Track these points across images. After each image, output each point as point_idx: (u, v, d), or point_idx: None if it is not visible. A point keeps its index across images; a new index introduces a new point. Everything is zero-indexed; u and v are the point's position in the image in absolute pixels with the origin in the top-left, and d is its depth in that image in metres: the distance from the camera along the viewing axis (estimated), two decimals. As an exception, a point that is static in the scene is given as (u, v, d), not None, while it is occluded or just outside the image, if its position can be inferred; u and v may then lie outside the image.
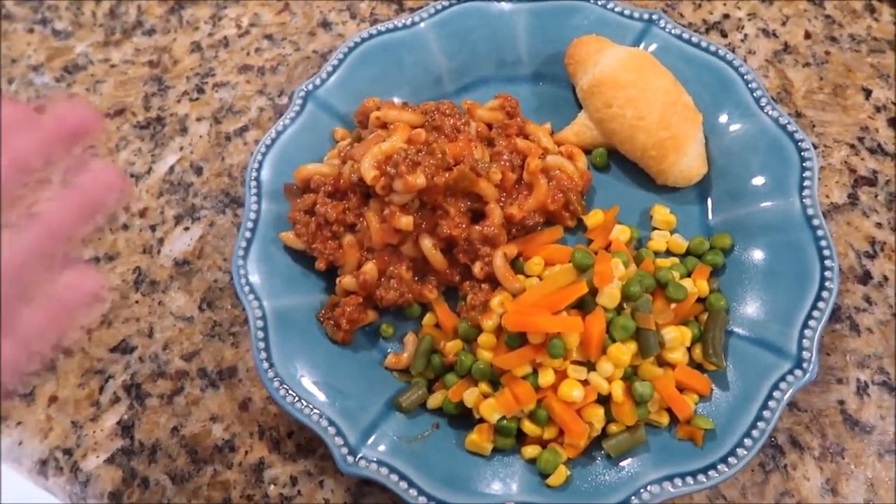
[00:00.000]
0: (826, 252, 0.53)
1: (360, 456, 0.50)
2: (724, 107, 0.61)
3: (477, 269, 0.55)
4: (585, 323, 0.50)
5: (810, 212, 0.55)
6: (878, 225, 0.60)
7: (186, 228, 0.65)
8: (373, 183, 0.53)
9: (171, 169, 0.68)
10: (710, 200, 0.60)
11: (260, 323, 0.54)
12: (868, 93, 0.67)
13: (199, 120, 0.70)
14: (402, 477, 0.50)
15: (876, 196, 0.62)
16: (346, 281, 0.56)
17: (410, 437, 0.52)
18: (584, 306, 0.52)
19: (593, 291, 0.51)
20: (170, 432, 0.57)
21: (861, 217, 0.61)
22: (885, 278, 0.58)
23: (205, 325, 0.61)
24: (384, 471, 0.50)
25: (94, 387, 0.59)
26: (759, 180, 0.58)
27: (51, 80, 0.74)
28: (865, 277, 0.58)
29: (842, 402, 0.54)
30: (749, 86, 0.60)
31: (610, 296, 0.50)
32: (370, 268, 0.55)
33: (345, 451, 0.50)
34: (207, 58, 0.74)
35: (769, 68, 0.69)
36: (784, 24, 0.71)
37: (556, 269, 0.54)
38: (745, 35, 0.71)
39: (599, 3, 0.65)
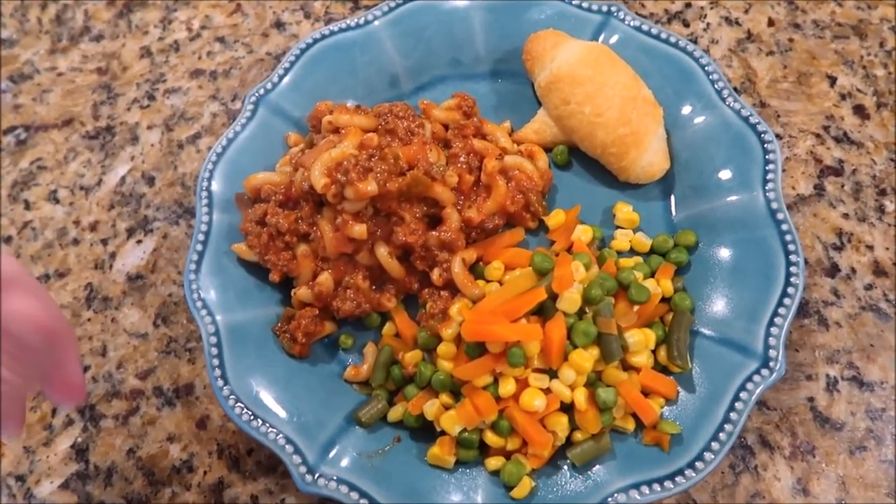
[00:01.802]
0: (791, 247, 0.52)
1: (318, 474, 0.49)
2: (685, 99, 0.60)
3: (435, 276, 0.54)
4: (545, 329, 0.49)
5: (774, 206, 0.53)
6: (845, 216, 0.59)
7: (139, 241, 0.63)
8: (323, 191, 0.51)
9: (123, 180, 0.66)
10: (673, 196, 0.59)
11: (213, 339, 0.53)
12: (833, 80, 0.66)
13: (150, 128, 0.68)
14: (363, 494, 0.48)
15: (842, 186, 0.61)
16: (301, 292, 0.54)
17: (370, 452, 0.51)
18: (544, 312, 0.50)
19: (553, 296, 0.50)
20: (126, 454, 0.55)
21: (828, 208, 0.60)
22: (853, 270, 0.57)
23: (160, 341, 0.59)
24: (344, 489, 0.48)
25: (47, 409, 0.57)
26: (722, 174, 0.56)
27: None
28: (833, 270, 0.57)
29: (811, 399, 0.53)
30: (710, 77, 0.59)
31: (570, 301, 0.49)
32: (325, 278, 0.53)
33: (303, 469, 0.49)
34: (158, 63, 0.71)
35: (732, 58, 0.67)
36: (747, 11, 0.70)
37: (517, 273, 0.53)
38: (708, 24, 0.69)
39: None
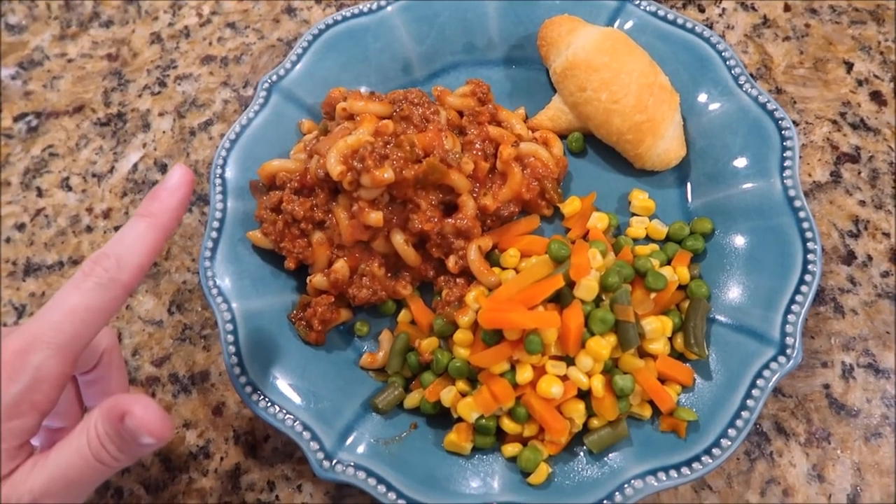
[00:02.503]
0: (808, 234, 0.52)
1: (336, 460, 0.49)
2: (702, 86, 0.59)
3: (451, 263, 0.54)
4: (563, 317, 0.49)
5: (791, 193, 0.53)
6: (862, 203, 0.59)
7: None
8: (339, 178, 0.51)
9: (135, 167, 0.65)
10: (689, 184, 0.58)
11: (230, 326, 0.53)
12: (850, 66, 0.65)
13: (161, 115, 0.68)
14: (380, 480, 0.48)
15: (859, 173, 0.60)
16: (317, 280, 0.54)
17: (387, 438, 0.51)
18: (561, 299, 0.50)
19: (570, 283, 0.50)
20: (142, 440, 0.55)
21: (844, 195, 0.60)
22: (870, 258, 0.57)
23: (175, 328, 0.59)
24: (361, 475, 0.48)
25: (63, 396, 0.57)
26: (739, 162, 0.56)
27: (7, 80, 0.71)
28: (849, 258, 0.57)
29: (827, 387, 0.53)
30: (727, 63, 0.58)
31: (587, 288, 0.49)
32: (341, 266, 0.53)
33: (320, 455, 0.49)
34: (168, 49, 0.71)
35: (748, 43, 0.67)
36: (763, -4, 0.69)
37: (533, 260, 0.53)
38: (724, 9, 0.69)
39: None
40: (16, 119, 0.69)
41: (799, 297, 0.50)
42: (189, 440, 0.55)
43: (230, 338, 0.52)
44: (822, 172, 0.61)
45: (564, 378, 0.49)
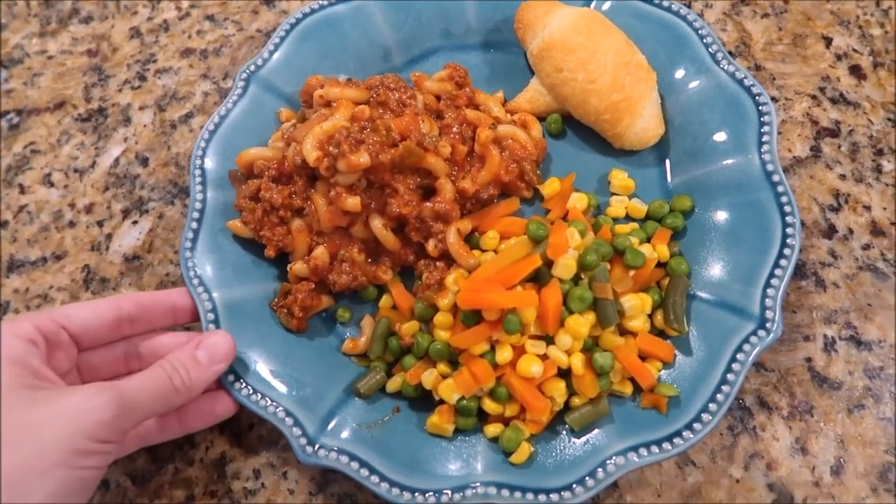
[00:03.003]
0: (787, 209, 0.52)
1: (319, 445, 0.49)
2: (679, 64, 0.59)
3: (430, 246, 0.54)
4: (541, 296, 0.49)
5: (770, 168, 0.53)
6: (842, 177, 0.59)
7: (135, 222, 0.63)
8: (315, 164, 0.51)
9: (116, 161, 0.65)
10: (668, 162, 0.58)
11: (211, 316, 0.53)
12: (828, 41, 0.65)
13: (142, 109, 0.68)
14: (363, 464, 0.49)
15: (839, 147, 0.60)
16: (297, 267, 0.54)
17: (370, 422, 0.51)
18: (540, 279, 0.50)
19: (549, 263, 0.50)
20: (128, 432, 0.55)
21: (825, 169, 0.59)
22: (850, 231, 0.57)
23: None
24: (344, 459, 0.49)
25: (49, 390, 0.57)
26: (717, 138, 0.56)
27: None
28: (830, 231, 0.57)
29: (809, 360, 0.53)
30: (704, 41, 0.58)
31: (565, 267, 0.49)
32: (321, 252, 0.53)
33: (303, 441, 0.49)
34: (148, 43, 0.71)
35: (727, 21, 0.67)
36: (741, -26, 0.69)
37: (512, 242, 0.53)
38: (702, -12, 0.69)
39: None
40: (-3, 117, 0.69)
41: (778, 272, 0.50)
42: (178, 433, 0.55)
43: (211, 327, 0.52)
44: (803, 147, 0.61)
45: (544, 357, 0.49)
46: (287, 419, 0.50)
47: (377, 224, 0.53)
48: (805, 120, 0.62)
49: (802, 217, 0.58)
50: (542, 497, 0.46)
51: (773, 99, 0.62)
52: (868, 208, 0.58)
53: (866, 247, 0.56)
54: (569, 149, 0.60)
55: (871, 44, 0.64)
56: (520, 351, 0.49)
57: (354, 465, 0.48)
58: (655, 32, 0.60)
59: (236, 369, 0.51)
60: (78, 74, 0.70)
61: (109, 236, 0.62)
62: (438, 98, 0.59)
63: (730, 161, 0.55)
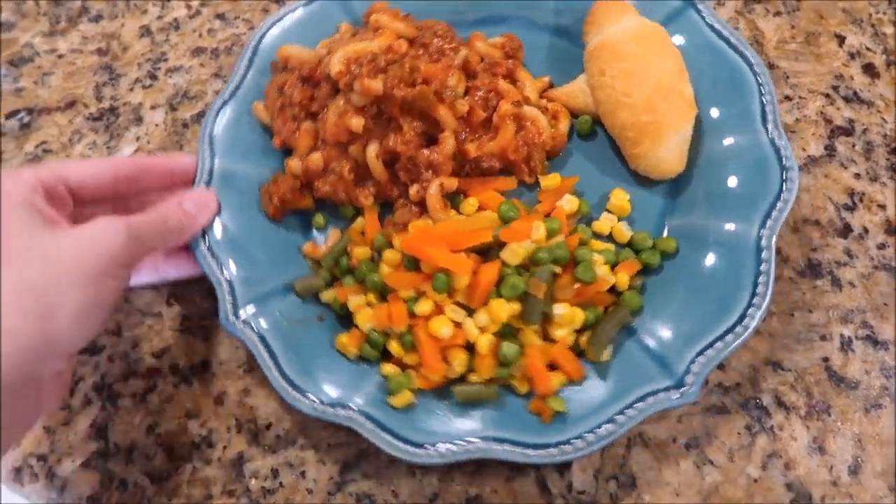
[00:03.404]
0: (759, 289, 0.50)
1: (242, 319, 0.52)
2: (728, 112, 0.56)
3: (413, 190, 0.55)
4: (479, 270, 0.50)
5: (763, 243, 0.51)
6: (857, 175, 0.59)
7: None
8: (336, 78, 0.54)
9: (129, 160, 0.65)
10: (676, 202, 0.57)
11: (206, 176, 0.56)
12: (841, 39, 0.65)
13: (153, 108, 0.67)
14: (269, 350, 0.51)
15: (853, 146, 0.60)
16: (293, 163, 0.57)
17: (293, 318, 0.53)
18: (489, 256, 0.51)
19: (503, 246, 0.51)
20: (145, 431, 0.55)
21: (839, 169, 0.60)
22: (866, 230, 0.57)
23: (174, 319, 0.59)
24: (254, 338, 0.52)
25: (64, 391, 0.57)
26: (731, 197, 0.54)
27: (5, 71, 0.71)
28: (845, 230, 0.57)
29: (826, 360, 0.53)
30: (762, 97, 0.55)
31: (512, 252, 0.50)
32: (316, 157, 0.56)
33: (230, 308, 0.53)
34: (158, 42, 0.71)
35: (739, 19, 0.67)
36: (754, -28, 0.69)
37: (484, 214, 0.54)
38: (715, -14, 0.69)
39: None
40: (8, 116, 0.68)
41: (719, 345, 0.49)
42: (192, 430, 0.55)
43: (203, 187, 0.56)
44: (817, 146, 0.61)
45: (459, 326, 0.50)
46: (225, 285, 0.53)
47: (372, 150, 0.55)
48: (819, 119, 0.62)
49: (817, 216, 0.58)
50: (399, 444, 0.48)
51: (787, 98, 0.63)
52: (883, 207, 0.58)
53: (882, 246, 0.57)
54: (588, 153, 0.60)
55: (885, 42, 0.64)
56: (439, 310, 0.51)
57: (261, 347, 0.52)
58: (718, 72, 0.57)
59: (206, 228, 0.55)
60: (88, 73, 0.70)
61: (123, 236, 0.62)
62: (482, 60, 0.59)
63: (731, 226, 0.53)
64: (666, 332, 0.51)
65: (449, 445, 0.48)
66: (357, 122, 0.54)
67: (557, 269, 0.51)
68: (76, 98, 0.69)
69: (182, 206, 0.53)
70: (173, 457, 0.54)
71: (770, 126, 0.54)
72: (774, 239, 0.51)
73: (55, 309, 0.42)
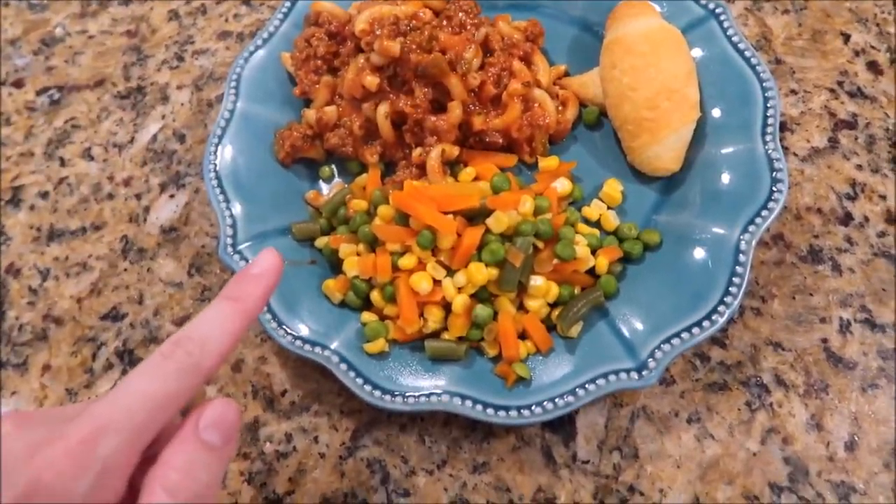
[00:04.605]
0: (732, 289, 0.51)
1: (237, 252, 0.55)
2: (730, 121, 0.57)
3: (416, 153, 0.58)
4: (463, 233, 0.52)
5: (743, 247, 0.52)
6: (859, 167, 0.61)
7: (172, 196, 0.65)
8: (359, 36, 0.57)
9: (154, 137, 0.68)
10: (669, 199, 0.58)
11: (227, 115, 0.60)
12: (847, 37, 0.67)
13: (179, 88, 0.70)
14: None
15: (856, 139, 0.62)
16: (308, 113, 0.60)
17: (286, 259, 0.55)
18: (476, 223, 0.53)
19: (489, 213, 0.53)
20: (164, 396, 0.57)
21: (842, 160, 0.61)
22: (866, 219, 0.59)
23: (194, 290, 0.61)
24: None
25: (87, 354, 0.59)
26: (721, 203, 0.55)
27: (30, 56, 0.73)
28: (846, 219, 0.59)
29: (825, 341, 0.55)
30: (766, 112, 0.56)
31: (497, 220, 0.52)
32: (331, 110, 0.59)
33: (229, 242, 0.56)
34: (186, 25, 0.73)
35: (748, 16, 0.69)
36: (763, -28, 0.71)
37: (481, 184, 0.56)
38: (725, -16, 0.71)
39: None
40: (38, 93, 0.71)
41: (685, 335, 0.50)
42: (210, 395, 0.57)
43: (223, 122, 0.60)
44: (821, 138, 0.62)
45: (438, 283, 0.52)
46: (228, 217, 0.56)
47: (382, 110, 0.58)
48: (823, 112, 0.64)
49: (819, 204, 0.60)
50: (368, 388, 0.51)
51: (793, 91, 0.65)
52: (883, 197, 0.60)
53: (881, 234, 0.58)
54: (591, 143, 0.62)
55: (889, 41, 0.66)
56: (422, 266, 0.53)
57: None
58: (728, 80, 0.58)
59: (218, 163, 0.58)
60: (118, 54, 0.72)
61: (147, 209, 0.64)
62: (503, 39, 0.61)
63: (717, 230, 0.54)
64: (636, 318, 0.53)
65: (415, 395, 0.51)
66: (372, 80, 0.56)
67: (540, 244, 0.53)
68: (105, 77, 0.71)
69: (202, 439, 0.34)
70: (191, 420, 0.56)
71: (769, 138, 0.55)
72: (754, 243, 0.52)
73: None
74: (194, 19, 0.73)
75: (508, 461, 0.52)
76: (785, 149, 0.62)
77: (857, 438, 0.52)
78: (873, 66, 0.65)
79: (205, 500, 0.34)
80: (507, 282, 0.52)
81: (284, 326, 0.53)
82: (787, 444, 0.52)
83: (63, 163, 0.67)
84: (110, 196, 0.65)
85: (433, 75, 0.56)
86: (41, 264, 0.63)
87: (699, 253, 0.54)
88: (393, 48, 0.55)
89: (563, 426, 0.53)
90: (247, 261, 0.55)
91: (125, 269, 0.62)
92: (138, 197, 0.65)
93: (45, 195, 0.66)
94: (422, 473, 0.52)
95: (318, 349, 0.52)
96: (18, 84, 0.72)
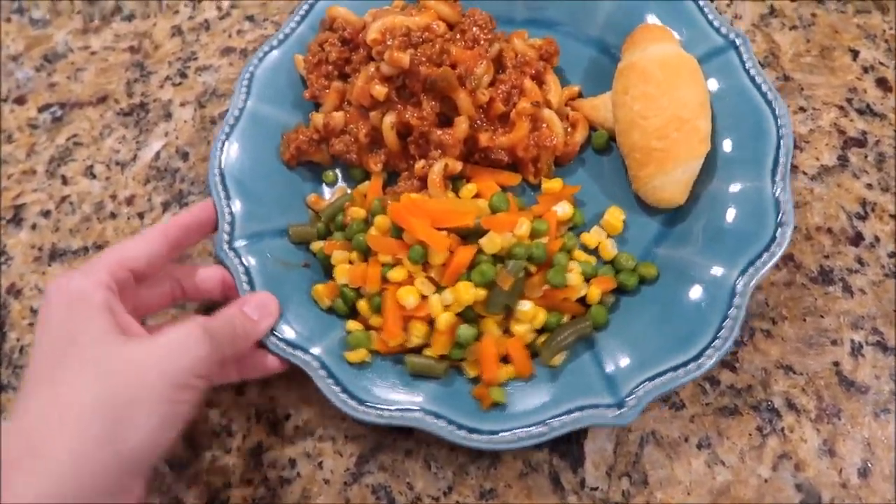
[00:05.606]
0: (722, 333, 0.50)
1: (233, 249, 0.56)
2: (742, 157, 0.56)
3: (418, 166, 0.58)
4: (456, 251, 0.52)
5: (739, 289, 0.51)
6: (869, 186, 0.60)
7: (174, 214, 0.64)
8: (371, 44, 0.57)
9: (157, 155, 0.67)
10: (671, 231, 0.57)
11: (237, 113, 0.60)
12: (855, 54, 0.66)
13: (182, 105, 0.69)
14: (251, 285, 0.54)
15: (866, 157, 0.62)
16: (316, 117, 0.60)
17: (281, 259, 0.56)
18: (470, 242, 0.53)
19: (484, 233, 0.53)
20: (167, 419, 0.56)
21: (851, 179, 0.61)
22: (877, 239, 0.58)
23: (197, 311, 0.60)
24: (241, 269, 0.55)
25: (89, 377, 0.59)
26: (720, 245, 0.53)
27: (32, 72, 0.73)
28: (857, 239, 0.58)
29: (837, 364, 0.54)
30: (779, 150, 0.54)
31: (491, 241, 0.51)
32: (339, 116, 0.60)
33: (227, 238, 0.56)
34: (189, 41, 0.73)
35: (756, 32, 0.68)
36: (770, -13, 0.71)
37: (479, 201, 0.56)
38: None
39: (700, 2, 0.61)
40: (40, 110, 0.70)
41: (667, 376, 0.49)
42: (212, 419, 0.56)
43: (231, 120, 0.60)
44: (830, 157, 0.62)
45: (425, 299, 0.52)
46: (228, 214, 0.57)
47: (388, 120, 0.58)
48: (832, 130, 0.63)
49: (829, 224, 0.59)
50: (344, 396, 0.51)
51: (801, 109, 0.64)
52: (894, 217, 0.59)
53: (892, 254, 0.58)
54: (598, 168, 0.61)
55: (898, 58, 0.66)
56: (410, 281, 0.53)
57: (245, 279, 0.55)
58: (742, 114, 0.57)
59: (222, 159, 0.59)
60: (120, 70, 0.72)
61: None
62: (517, 56, 0.61)
63: (716, 269, 0.52)
64: (622, 352, 0.52)
65: (390, 409, 0.51)
66: (380, 90, 0.56)
67: (532, 268, 0.53)
68: (107, 93, 0.71)
69: (244, 310, 0.51)
70: (193, 445, 0.55)
71: (778, 178, 0.53)
72: (752, 286, 0.51)
73: (129, 429, 0.40)
74: (197, 35, 0.73)
75: (516, 487, 0.52)
76: (794, 167, 0.61)
77: (870, 465, 0.51)
78: (882, 83, 0.65)
79: (231, 344, 0.47)
80: (494, 304, 0.51)
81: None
82: (799, 471, 0.51)
83: (65, 181, 0.67)
84: (113, 215, 0.65)
85: (441, 89, 0.56)
86: (43, 285, 0.62)
87: (695, 292, 0.52)
88: (403, 59, 0.55)
89: (571, 451, 0.53)
90: (241, 259, 0.55)
91: (127, 290, 0.61)
92: (141, 216, 0.64)
93: (46, 214, 0.65)
94: (428, 500, 0.52)
95: (299, 352, 0.52)
96: (20, 101, 0.71)
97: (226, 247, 0.55)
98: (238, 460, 0.55)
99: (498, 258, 0.53)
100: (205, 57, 0.72)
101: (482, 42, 0.58)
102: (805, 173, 0.61)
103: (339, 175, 0.62)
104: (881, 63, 0.66)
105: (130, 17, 0.75)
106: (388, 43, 0.56)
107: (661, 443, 0.52)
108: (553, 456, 0.53)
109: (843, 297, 0.56)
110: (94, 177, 0.67)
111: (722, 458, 0.52)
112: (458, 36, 0.58)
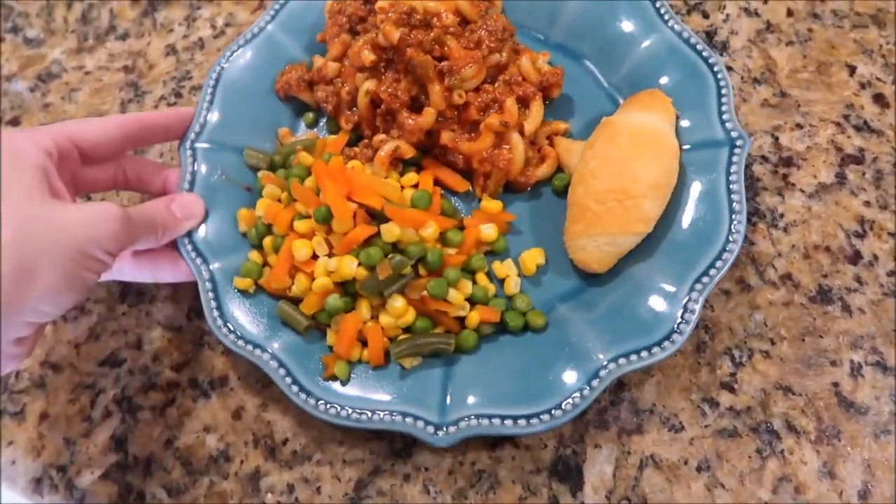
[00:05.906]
0: (566, 405, 0.50)
1: (193, 146, 0.60)
2: (679, 259, 0.54)
3: (377, 138, 0.60)
4: (358, 226, 0.54)
5: (603, 374, 0.51)
6: (867, 203, 0.60)
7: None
8: (378, 11, 0.59)
9: (152, 177, 0.67)
10: (578, 296, 0.56)
11: (256, 30, 0.65)
12: (852, 69, 0.66)
13: (177, 125, 0.69)
14: (191, 187, 0.59)
15: (863, 174, 0.61)
16: (317, 60, 0.64)
17: (228, 175, 0.60)
18: (375, 223, 0.55)
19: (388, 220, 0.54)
20: (164, 445, 0.56)
21: (849, 196, 0.61)
22: (876, 257, 0.58)
23: (194, 334, 0.60)
24: (190, 169, 0.59)
25: (85, 402, 0.58)
26: (615, 331, 0.52)
27: (26, 92, 0.72)
28: (855, 257, 0.58)
29: (836, 385, 0.54)
30: (711, 266, 0.53)
31: (389, 230, 0.53)
32: (333, 66, 0.63)
33: (193, 136, 0.60)
34: (183, 60, 0.72)
35: (752, 48, 0.68)
36: (766, 2, 0.70)
37: (408, 190, 0.57)
38: (727, 15, 0.70)
39: (722, 90, 0.58)
40: (35, 131, 0.70)
41: (495, 421, 0.50)
42: (209, 444, 0.56)
43: (249, 35, 0.65)
44: (828, 174, 0.62)
45: (315, 258, 0.55)
46: (203, 118, 0.61)
47: (366, 86, 0.60)
48: (830, 147, 0.63)
49: (827, 243, 0.59)
50: (216, 313, 0.54)
51: (798, 126, 0.64)
52: (893, 235, 0.59)
53: (891, 273, 0.57)
54: (546, 207, 0.60)
55: (894, 73, 0.66)
56: (310, 236, 0.55)
57: (189, 179, 0.59)
58: (701, 210, 0.55)
59: (209, 128, 0.61)
60: (115, 90, 0.71)
61: (145, 251, 0.63)
62: (518, 72, 0.61)
63: (594, 351, 0.52)
64: (471, 383, 0.52)
65: (244, 338, 0.53)
66: (367, 56, 0.58)
67: (423, 271, 0.54)
68: (102, 114, 0.70)
69: (170, 206, 0.55)
70: (191, 470, 0.55)
71: (695, 294, 0.52)
72: (615, 377, 0.50)
73: (35, 278, 0.43)
74: (192, 54, 0.73)
75: (515, 512, 0.51)
76: (791, 185, 0.61)
77: (870, 487, 0.51)
78: (879, 99, 0.64)
79: (147, 233, 0.52)
80: (366, 287, 0.53)
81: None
82: (799, 493, 0.51)
83: (60, 203, 0.66)
84: (108, 237, 0.64)
85: (419, 76, 0.57)
86: (38, 308, 0.62)
87: (566, 359, 0.52)
88: (392, 34, 0.56)
89: (571, 475, 0.52)
90: (195, 161, 0.59)
91: (123, 313, 0.61)
92: (136, 238, 0.64)
93: (41, 237, 0.65)
94: (427, 526, 0.51)
95: (199, 261, 0.56)
96: (14, 122, 0.71)
97: (188, 143, 0.59)
98: (236, 486, 0.54)
99: (400, 250, 0.54)
100: (199, 76, 0.71)
101: (484, 47, 0.58)
102: (802, 191, 0.61)
103: (322, 123, 0.65)
104: (878, 79, 0.65)
105: (125, 37, 0.75)
106: (389, 16, 0.57)
107: (660, 466, 0.52)
108: (552, 480, 0.52)
109: (842, 317, 0.56)
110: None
111: (722, 481, 0.52)
112: (467, 34, 0.59)
